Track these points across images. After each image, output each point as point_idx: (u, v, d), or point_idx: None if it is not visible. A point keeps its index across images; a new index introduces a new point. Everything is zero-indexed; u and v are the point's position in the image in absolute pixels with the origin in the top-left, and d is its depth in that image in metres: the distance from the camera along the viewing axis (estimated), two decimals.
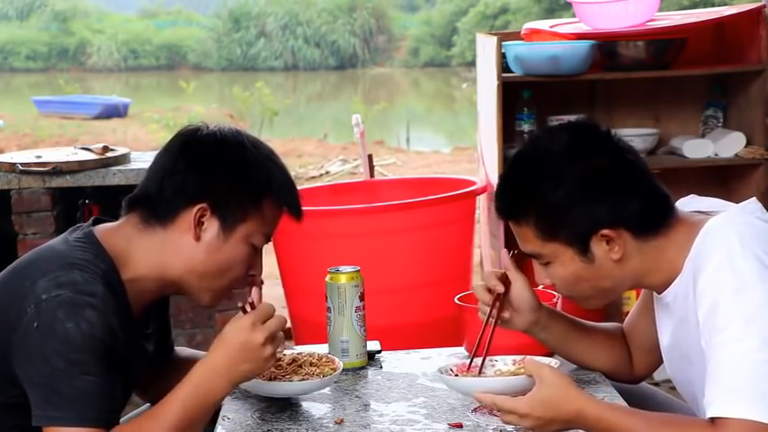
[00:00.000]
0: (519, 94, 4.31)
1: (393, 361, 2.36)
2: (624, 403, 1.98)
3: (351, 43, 30.64)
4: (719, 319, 1.78)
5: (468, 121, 14.45)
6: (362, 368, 2.31)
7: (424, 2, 35.05)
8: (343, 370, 2.18)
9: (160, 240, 1.96)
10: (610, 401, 1.94)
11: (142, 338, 2.05)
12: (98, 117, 15.68)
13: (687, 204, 2.02)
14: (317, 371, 2.12)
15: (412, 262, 4.12)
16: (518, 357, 2.10)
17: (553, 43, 4.20)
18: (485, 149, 4.47)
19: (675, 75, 4.32)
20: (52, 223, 3.90)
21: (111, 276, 1.92)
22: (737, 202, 1.96)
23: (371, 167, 4.80)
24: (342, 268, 2.32)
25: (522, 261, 2.07)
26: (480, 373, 2.06)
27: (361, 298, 2.32)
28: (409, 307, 4.10)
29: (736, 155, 4.30)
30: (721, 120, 4.47)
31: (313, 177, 10.32)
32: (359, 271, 2.32)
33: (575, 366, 2.23)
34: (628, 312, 2.35)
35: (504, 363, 2.10)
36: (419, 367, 2.31)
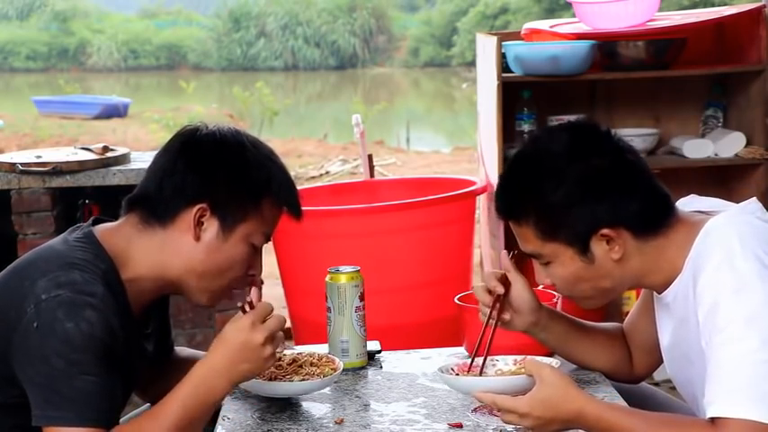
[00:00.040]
0: (519, 94, 4.31)
1: (393, 361, 2.36)
2: (624, 403, 1.98)
3: (351, 43, 30.64)
4: (719, 319, 1.78)
5: (468, 121, 14.45)
6: (362, 368, 2.31)
7: (424, 2, 35.05)
8: (344, 370, 2.18)
9: (160, 240, 1.96)
10: (610, 401, 1.94)
11: (142, 338, 2.05)
12: (98, 117, 15.68)
13: (687, 204, 2.02)
14: (318, 371, 2.12)
15: (412, 262, 4.12)
16: (519, 357, 2.10)
17: (553, 43, 4.20)
18: (485, 149, 4.47)
19: (675, 75, 4.32)
20: (52, 223, 3.90)
21: (111, 276, 1.92)
22: (737, 202, 1.96)
23: (371, 167, 4.80)
24: (342, 268, 2.32)
25: (523, 261, 2.07)
26: (481, 373, 2.06)
27: (361, 298, 2.32)
28: (409, 307, 4.10)
29: (736, 155, 4.30)
30: (721, 120, 4.47)
31: (313, 177, 10.32)
32: (359, 271, 2.32)
33: (575, 366, 2.23)
34: (628, 312, 2.35)
35: (505, 363, 2.10)
36: (419, 367, 2.31)
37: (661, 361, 2.11)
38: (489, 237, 4.57)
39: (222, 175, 1.95)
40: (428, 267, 4.16)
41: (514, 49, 4.15)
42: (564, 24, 4.49)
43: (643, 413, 1.85)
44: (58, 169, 3.90)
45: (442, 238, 4.19)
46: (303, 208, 2.05)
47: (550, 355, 2.20)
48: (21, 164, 3.92)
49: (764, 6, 4.20)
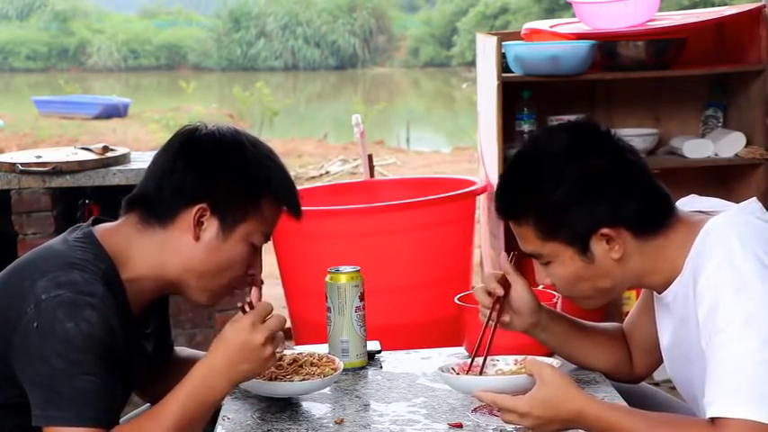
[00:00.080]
0: (519, 94, 4.31)
1: (393, 361, 2.36)
2: (624, 403, 1.98)
3: (351, 43, 30.64)
4: (719, 320, 1.78)
5: (468, 121, 14.46)
6: (362, 368, 2.31)
7: (424, 2, 35.05)
8: (344, 370, 2.18)
9: (159, 240, 1.96)
10: (610, 401, 1.94)
11: (142, 338, 2.05)
12: (98, 117, 15.68)
13: (687, 204, 2.02)
14: (318, 371, 2.12)
15: (412, 262, 4.12)
16: (519, 357, 2.10)
17: (553, 43, 4.20)
18: (485, 149, 4.47)
19: (675, 75, 4.32)
20: (52, 223, 3.90)
21: (111, 276, 1.91)
22: (737, 202, 1.96)
23: (371, 167, 4.80)
24: (342, 268, 2.32)
25: (523, 261, 2.07)
26: (481, 372, 2.06)
27: (361, 298, 2.32)
28: (409, 307, 4.10)
29: (736, 155, 4.30)
30: (721, 120, 4.47)
31: (313, 177, 10.32)
32: (359, 271, 2.32)
33: (575, 366, 2.23)
34: (628, 312, 2.35)
35: (506, 363, 2.10)
36: (419, 367, 2.31)
37: (661, 361, 2.11)
38: (489, 237, 4.57)
39: (222, 174, 1.95)
40: (428, 267, 4.16)
41: (514, 49, 4.15)
42: (564, 24, 4.49)
43: (643, 413, 1.85)
44: (58, 169, 3.90)
45: (441, 238, 4.19)
46: (303, 208, 2.05)
47: (550, 355, 2.20)
48: (21, 164, 3.92)
49: (764, 6, 4.20)
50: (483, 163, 4.52)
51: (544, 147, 1.95)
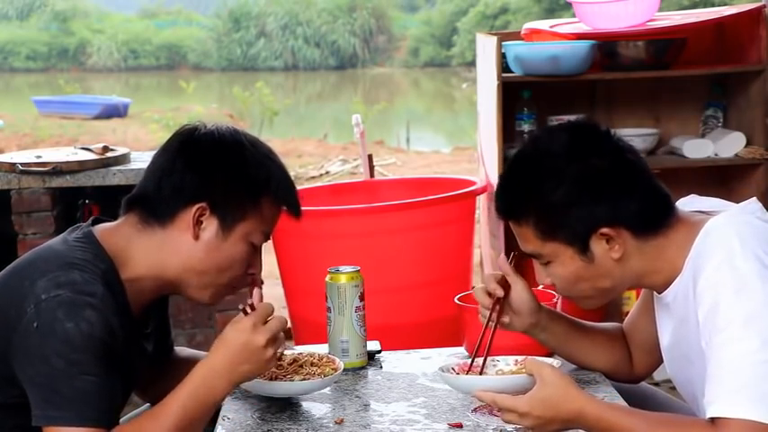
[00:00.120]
0: (519, 94, 4.31)
1: (393, 361, 2.36)
2: (624, 403, 1.98)
3: (351, 43, 30.64)
4: (720, 320, 1.78)
5: (468, 121, 14.46)
6: (362, 368, 2.31)
7: (424, 2, 35.05)
8: (344, 370, 2.18)
9: (159, 240, 1.96)
10: (610, 401, 1.94)
11: (141, 338, 2.05)
12: (98, 117, 15.68)
13: (687, 204, 2.02)
14: (318, 371, 2.12)
15: (412, 262, 4.12)
16: (520, 358, 2.10)
17: (553, 43, 4.20)
18: (485, 149, 4.47)
19: (675, 75, 4.32)
20: (52, 223, 3.90)
21: (111, 276, 1.91)
22: (737, 202, 1.96)
23: (371, 167, 4.81)
24: (342, 268, 2.32)
25: (523, 261, 2.07)
26: (482, 373, 2.06)
27: (361, 298, 2.32)
28: (409, 307, 4.10)
29: (736, 155, 4.30)
30: (721, 120, 4.47)
31: (313, 177, 10.32)
32: (359, 271, 2.32)
33: (575, 366, 2.23)
34: (628, 312, 2.35)
35: (506, 363, 2.10)
36: (419, 367, 2.31)
37: (661, 361, 2.11)
38: (489, 237, 4.58)
39: (221, 174, 1.95)
40: (428, 267, 4.16)
41: (514, 49, 4.15)
42: (564, 24, 4.49)
43: (643, 413, 1.85)
44: (58, 169, 3.90)
45: (441, 238, 4.19)
46: (303, 208, 2.05)
47: (550, 355, 2.20)
48: (21, 164, 3.92)
49: (764, 6, 4.20)
50: (483, 163, 4.52)
51: (544, 147, 1.95)
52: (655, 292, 2.02)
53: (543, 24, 4.47)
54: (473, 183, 4.41)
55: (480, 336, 2.09)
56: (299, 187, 2.11)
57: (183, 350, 2.29)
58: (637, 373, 2.22)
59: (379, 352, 2.38)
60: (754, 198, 1.96)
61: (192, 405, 1.86)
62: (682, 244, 1.90)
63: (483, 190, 4.34)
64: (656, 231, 1.92)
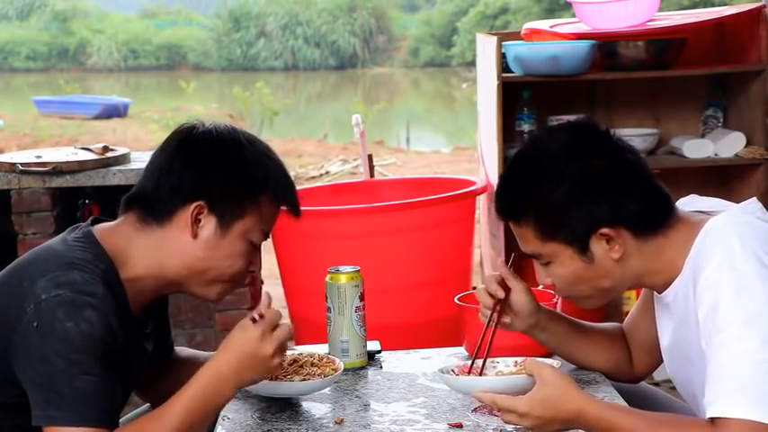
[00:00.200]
0: (519, 94, 4.31)
1: (393, 361, 2.36)
2: (624, 403, 1.98)
3: (351, 43, 30.64)
4: (720, 320, 1.78)
5: (468, 121, 14.46)
6: (362, 368, 2.31)
7: (424, 2, 35.05)
8: (344, 370, 2.18)
9: (158, 239, 1.96)
10: (610, 401, 1.94)
11: (141, 338, 2.05)
12: (98, 117, 15.68)
13: (688, 204, 2.02)
14: (318, 371, 2.12)
15: (412, 262, 4.12)
16: (520, 359, 2.10)
17: (553, 43, 4.20)
18: (485, 149, 4.47)
19: (675, 75, 4.32)
20: (52, 223, 3.90)
21: (111, 276, 1.91)
22: (737, 202, 1.96)
23: (371, 167, 4.81)
24: (342, 268, 2.32)
25: (523, 261, 2.07)
26: (481, 374, 2.06)
27: (361, 298, 2.31)
28: (409, 307, 4.10)
29: (736, 155, 4.30)
30: (721, 120, 4.48)
31: (313, 177, 10.32)
32: (359, 271, 2.32)
33: (574, 366, 2.23)
34: (628, 312, 2.35)
35: (506, 364, 2.10)
36: (419, 367, 2.31)
37: (661, 361, 2.11)
38: (489, 237, 4.58)
39: (219, 172, 1.95)
40: (428, 267, 4.16)
41: (514, 49, 4.15)
42: (564, 24, 4.49)
43: (643, 413, 1.85)
44: (58, 169, 3.90)
45: (441, 238, 4.19)
46: (303, 208, 2.05)
47: (550, 355, 2.20)
48: (21, 164, 3.92)
49: (764, 6, 4.20)
50: (483, 163, 4.52)
51: (544, 147, 1.95)
52: (655, 292, 2.02)
53: (543, 24, 4.47)
54: (473, 183, 4.41)
55: (481, 336, 2.09)
56: (298, 187, 2.11)
57: (183, 350, 2.29)
58: (637, 373, 2.22)
59: (379, 352, 2.38)
60: (754, 198, 1.96)
61: (196, 407, 1.85)
62: (682, 244, 1.90)
63: (483, 190, 4.34)
64: (656, 231, 1.92)
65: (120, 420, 1.92)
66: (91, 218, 2.04)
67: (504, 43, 4.17)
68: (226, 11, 31.52)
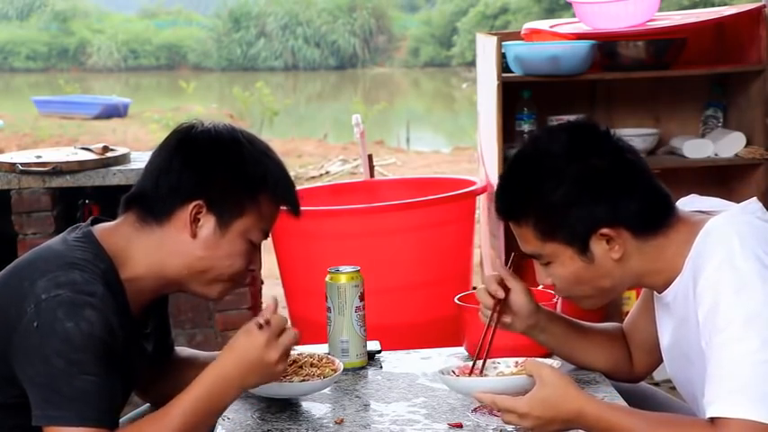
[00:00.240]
0: (519, 94, 4.31)
1: (393, 361, 2.36)
2: (624, 403, 1.98)
3: (351, 43, 30.65)
4: (720, 320, 1.78)
5: (468, 121, 14.46)
6: (362, 368, 2.31)
7: (424, 2, 35.05)
8: (344, 370, 2.18)
9: (157, 239, 1.95)
10: (610, 401, 1.94)
11: (141, 338, 2.05)
12: (98, 117, 15.69)
13: (688, 204, 2.02)
14: (318, 372, 2.12)
15: (412, 262, 4.12)
16: (520, 359, 2.10)
17: (553, 43, 4.20)
18: (485, 149, 4.47)
19: (675, 75, 4.32)
20: (52, 223, 3.90)
21: (111, 276, 1.91)
22: (737, 202, 1.96)
23: (371, 167, 4.81)
24: (342, 268, 2.32)
25: (523, 262, 2.07)
26: (482, 374, 2.06)
27: (361, 298, 2.31)
28: (409, 307, 4.10)
29: (736, 155, 4.30)
30: (721, 120, 4.48)
31: (313, 177, 10.33)
32: (359, 271, 2.32)
33: (574, 366, 2.23)
34: (628, 312, 2.35)
35: (507, 365, 2.10)
36: (419, 367, 2.31)
37: (661, 360, 2.11)
38: (489, 237, 4.58)
39: (218, 171, 1.95)
40: (428, 267, 4.16)
41: (514, 49, 4.15)
42: (564, 24, 4.49)
43: (643, 413, 1.85)
44: (58, 169, 3.89)
45: (441, 238, 4.19)
46: (303, 208, 2.05)
47: (549, 355, 2.20)
48: (21, 164, 3.92)
49: (764, 6, 4.20)
50: (483, 163, 4.52)
51: (544, 147, 1.95)
52: (655, 292, 2.02)
53: (543, 24, 4.47)
54: (473, 183, 4.41)
55: (482, 336, 2.09)
56: (298, 187, 2.11)
57: (183, 350, 2.29)
58: (637, 372, 2.22)
59: (379, 352, 2.38)
60: (755, 198, 1.96)
61: (199, 408, 1.85)
62: (682, 244, 1.90)
63: (483, 190, 4.34)
64: (656, 231, 1.92)
65: (120, 420, 1.92)
66: (91, 218, 2.03)
67: (504, 43, 4.17)
68: (226, 11, 31.53)
